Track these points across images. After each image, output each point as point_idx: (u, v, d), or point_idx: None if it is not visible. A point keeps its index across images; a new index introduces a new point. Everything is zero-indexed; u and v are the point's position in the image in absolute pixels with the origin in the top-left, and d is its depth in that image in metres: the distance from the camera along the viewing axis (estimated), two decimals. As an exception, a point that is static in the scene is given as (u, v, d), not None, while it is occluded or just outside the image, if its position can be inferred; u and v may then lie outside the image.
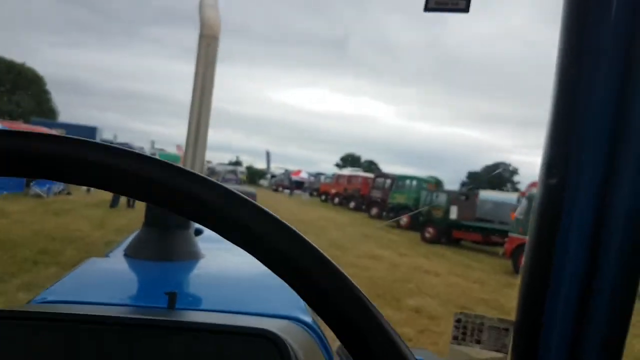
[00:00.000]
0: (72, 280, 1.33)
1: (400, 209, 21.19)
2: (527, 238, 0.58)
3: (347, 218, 23.48)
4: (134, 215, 15.05)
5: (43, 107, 50.49)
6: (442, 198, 17.28)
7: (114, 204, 16.12)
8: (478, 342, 0.66)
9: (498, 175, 74.98)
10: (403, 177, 22.43)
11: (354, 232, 17.34)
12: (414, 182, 21.69)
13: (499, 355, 0.65)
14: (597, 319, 0.50)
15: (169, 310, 1.05)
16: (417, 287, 9.13)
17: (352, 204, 30.45)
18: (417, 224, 20.50)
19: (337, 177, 35.50)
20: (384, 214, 23.32)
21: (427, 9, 0.73)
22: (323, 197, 37.89)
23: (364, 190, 30.79)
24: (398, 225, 21.11)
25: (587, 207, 0.50)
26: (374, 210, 25.38)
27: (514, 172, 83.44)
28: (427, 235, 17.06)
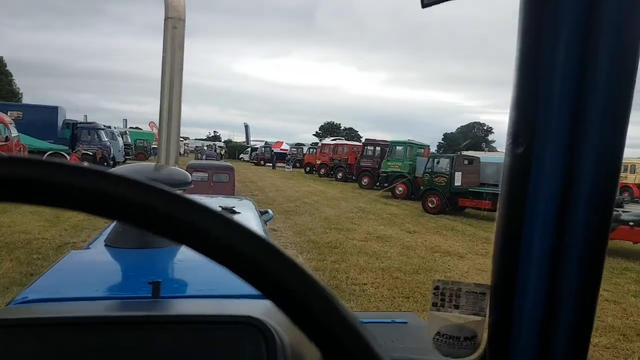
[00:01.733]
0: (53, 276, 1.33)
1: (395, 178, 19.66)
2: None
3: (338, 190, 21.89)
4: None
5: (3, 90, 46.90)
6: (443, 163, 15.75)
7: None
8: (456, 307, 0.67)
9: (473, 135, 74.81)
10: (396, 143, 20.77)
11: (350, 207, 15.75)
12: (409, 148, 20.05)
13: (477, 318, 0.66)
14: (568, 277, 0.52)
15: (153, 301, 1.07)
16: (449, 279, 7.66)
17: (339, 175, 28.85)
18: (414, 193, 19.08)
19: (321, 147, 33.69)
20: (377, 183, 21.78)
21: (425, 4, 0.72)
22: (307, 169, 36.19)
23: (351, 159, 29.15)
24: (394, 195, 19.63)
25: (554, 173, 0.51)
26: (365, 180, 23.84)
27: (489, 131, 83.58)
28: (430, 205, 15.60)
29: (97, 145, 23.01)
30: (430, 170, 15.95)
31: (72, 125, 23.49)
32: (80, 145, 22.49)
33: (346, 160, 29.24)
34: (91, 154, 18.33)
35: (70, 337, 0.84)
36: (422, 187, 16.35)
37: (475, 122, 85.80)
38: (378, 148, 24.24)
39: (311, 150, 38.49)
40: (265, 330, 0.86)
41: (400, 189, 19.34)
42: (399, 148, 20.36)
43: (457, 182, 15.09)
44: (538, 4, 0.52)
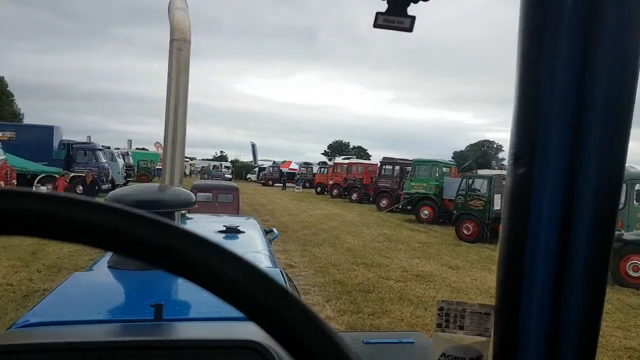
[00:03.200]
0: (56, 299, 1.32)
1: (419, 200, 17.75)
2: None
3: (355, 214, 20.03)
4: None
5: (3, 110, 46.06)
6: (479, 184, 13.90)
7: None
8: (461, 327, 0.66)
9: (483, 153, 73.12)
10: (420, 162, 18.90)
11: (373, 235, 13.89)
12: (434, 167, 18.18)
13: (482, 339, 0.66)
14: (572, 300, 0.52)
15: (156, 324, 1.08)
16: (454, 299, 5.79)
17: (354, 196, 26.99)
18: (441, 216, 17.18)
19: (334, 166, 31.90)
20: (399, 206, 19.88)
21: (376, 25, 0.77)
22: (318, 189, 34.39)
23: (366, 179, 27.34)
24: (418, 219, 17.71)
25: (555, 194, 0.52)
26: (384, 202, 21.96)
27: (499, 149, 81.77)
28: (466, 232, 13.68)
29: (94, 166, 21.49)
30: (464, 192, 14.08)
31: (68, 146, 21.99)
32: (76, 167, 20.97)
33: (361, 180, 27.43)
34: (83, 175, 16.65)
35: None
36: (454, 211, 14.45)
37: (485, 140, 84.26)
38: (397, 167, 22.43)
39: (322, 169, 36.73)
40: (267, 354, 0.88)
41: (426, 212, 17.44)
42: (423, 167, 18.47)
43: (497, 206, 13.20)
44: (536, 26, 0.52)
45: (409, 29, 0.81)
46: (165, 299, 1.17)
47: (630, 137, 0.52)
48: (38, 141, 21.42)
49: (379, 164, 29.14)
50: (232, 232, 2.79)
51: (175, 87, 2.66)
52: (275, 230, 4.04)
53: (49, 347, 0.85)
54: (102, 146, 25.46)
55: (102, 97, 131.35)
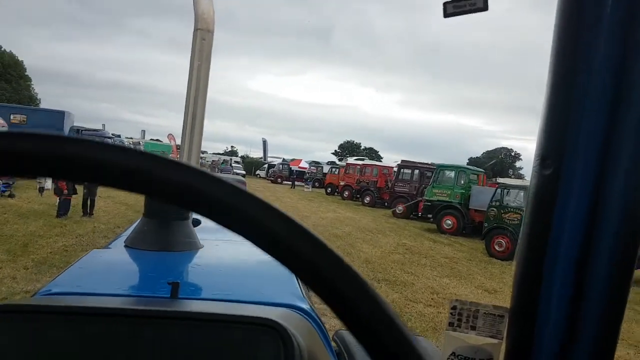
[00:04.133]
0: (75, 272, 1.36)
1: (442, 208, 16.24)
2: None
3: (369, 219, 18.59)
4: (88, 228, 10.09)
5: (21, 94, 45.41)
6: (515, 195, 12.40)
7: (62, 210, 11.12)
8: (473, 328, 0.66)
9: (500, 161, 71.29)
10: (445, 167, 17.34)
11: (392, 245, 12.46)
12: (461, 174, 16.63)
13: (494, 341, 0.65)
14: (592, 307, 0.51)
15: (172, 300, 1.09)
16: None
17: (367, 199, 25.52)
18: (465, 228, 15.68)
19: (346, 167, 30.45)
20: (419, 213, 18.39)
21: (447, 14, 0.73)
22: (328, 190, 32.98)
23: (381, 182, 25.88)
24: (440, 229, 16.23)
25: (581, 197, 0.51)
26: (400, 208, 20.48)
27: (517, 157, 79.88)
28: (498, 248, 12.19)
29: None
30: (498, 203, 12.58)
31: (77, 132, 20.94)
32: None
33: (375, 183, 25.96)
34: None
35: (91, 328, 0.88)
36: (485, 224, 12.97)
37: (503, 148, 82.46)
38: (417, 171, 20.94)
39: (333, 169, 35.30)
40: (284, 334, 0.87)
41: (449, 222, 15.94)
42: (448, 173, 16.92)
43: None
44: (573, 25, 0.51)
45: (484, 8, 0.75)
46: (181, 279, 1.18)
47: None
48: (49, 126, 20.46)
49: (395, 167, 27.71)
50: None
51: (196, 77, 2.65)
52: None
53: (70, 311, 0.89)
54: (112, 134, 24.40)
55: (119, 87, 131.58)
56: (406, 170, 21.37)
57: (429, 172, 21.20)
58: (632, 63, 0.48)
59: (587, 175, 0.50)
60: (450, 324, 0.67)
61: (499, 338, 0.65)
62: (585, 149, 0.50)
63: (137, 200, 16.11)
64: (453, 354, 0.66)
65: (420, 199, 19.79)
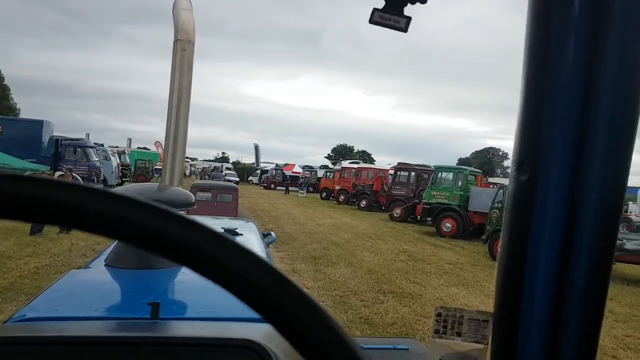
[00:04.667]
0: (52, 295, 1.31)
1: (441, 211, 15.93)
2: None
3: (367, 224, 18.25)
4: (65, 246, 9.60)
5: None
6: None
7: (35, 227, 10.57)
8: (459, 334, 0.66)
9: (488, 160, 71.53)
10: (443, 168, 17.05)
11: (393, 251, 12.11)
12: (459, 175, 16.33)
13: (480, 346, 0.65)
14: (573, 309, 0.51)
15: (152, 322, 1.06)
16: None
17: (363, 203, 25.17)
18: (465, 230, 15.38)
19: (341, 171, 30.11)
20: (418, 216, 18.03)
21: (372, 21, 0.78)
22: (323, 195, 32.61)
23: (377, 185, 25.56)
24: (439, 232, 15.91)
25: (558, 201, 0.51)
26: (397, 211, 20.15)
27: (504, 156, 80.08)
28: (502, 251, 11.85)
29: (83, 165, 19.77)
30: (500, 205, 12.27)
31: (56, 142, 20.23)
32: (64, 166, 19.25)
33: (371, 186, 25.64)
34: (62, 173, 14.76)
35: (68, 357, 0.84)
36: (488, 227, 12.66)
37: (490, 148, 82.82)
38: (413, 174, 20.65)
39: (328, 174, 34.96)
40: (264, 354, 0.86)
41: (448, 225, 15.63)
42: (446, 174, 16.62)
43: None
44: (542, 32, 0.52)
45: (404, 29, 0.80)
46: (161, 298, 1.13)
47: (635, 146, 0.51)
48: (26, 136, 19.80)
49: (390, 170, 27.40)
50: (229, 234, 2.67)
51: (178, 87, 2.60)
52: (273, 233, 4.11)
53: (46, 341, 0.85)
54: (95, 143, 23.78)
55: (106, 96, 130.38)
56: (402, 173, 21.07)
57: (425, 174, 20.93)
58: (601, 65, 0.48)
59: (563, 178, 0.50)
60: (436, 331, 0.67)
61: (484, 343, 0.65)
62: (560, 152, 0.50)
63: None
64: None
65: (418, 201, 19.50)
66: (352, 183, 26.91)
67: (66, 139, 21.14)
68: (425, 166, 22.02)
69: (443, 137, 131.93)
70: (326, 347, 0.29)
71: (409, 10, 0.79)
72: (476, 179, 17.10)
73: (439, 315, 0.68)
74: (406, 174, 20.94)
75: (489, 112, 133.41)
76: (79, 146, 20.34)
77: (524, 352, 0.53)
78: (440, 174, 16.70)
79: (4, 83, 48.31)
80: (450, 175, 16.44)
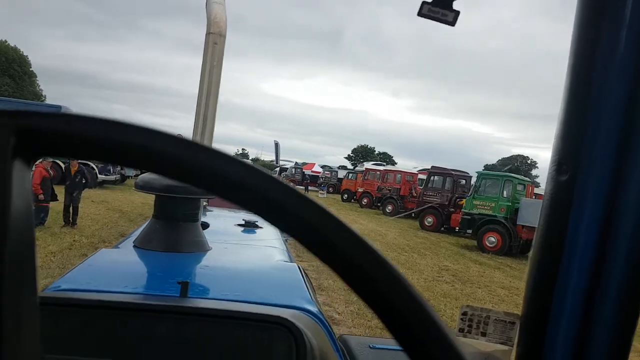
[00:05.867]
0: (84, 270, 1.36)
1: (484, 223, 14.03)
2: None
3: (396, 232, 16.45)
4: (66, 242, 8.13)
5: (24, 90, 44.30)
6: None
7: (35, 220, 9.06)
8: (484, 334, 0.66)
9: (516, 169, 69.01)
10: (488, 176, 15.15)
11: (432, 268, 10.34)
12: (507, 184, 14.36)
13: (505, 347, 0.65)
14: (604, 316, 0.50)
15: (182, 298, 1.07)
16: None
17: (389, 208, 23.33)
18: (512, 246, 13.46)
19: (365, 172, 28.31)
20: (457, 227, 16.13)
21: (421, 14, 0.80)
22: (345, 197, 30.86)
23: (404, 190, 23.69)
24: (480, 247, 14.01)
25: (596, 204, 0.50)
26: (430, 220, 18.27)
27: (533, 165, 77.26)
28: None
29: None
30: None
31: None
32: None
33: (398, 190, 23.79)
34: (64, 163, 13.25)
35: (102, 321, 0.88)
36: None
37: (519, 155, 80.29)
38: (449, 179, 18.72)
39: (350, 175, 33.18)
40: (297, 332, 0.88)
41: (493, 239, 13.72)
42: (491, 182, 14.69)
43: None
44: (591, 33, 0.51)
45: (452, 23, 0.79)
46: (190, 280, 1.15)
47: None
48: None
49: (419, 174, 25.50)
50: (250, 226, 2.81)
51: (207, 80, 2.62)
52: None
53: (82, 304, 0.88)
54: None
55: (131, 88, 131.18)
56: (436, 178, 19.12)
57: (462, 180, 19.00)
58: None
59: (603, 181, 0.49)
60: (461, 330, 0.66)
61: (509, 345, 0.64)
62: (601, 155, 0.50)
63: (134, 207, 14.18)
64: None
65: (453, 210, 17.59)
66: (378, 186, 25.08)
67: None
68: (461, 171, 20.05)
69: (466, 143, 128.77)
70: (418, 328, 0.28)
71: (457, 4, 0.78)
72: (525, 189, 15.09)
73: (464, 314, 0.66)
74: (441, 179, 18.99)
75: (512, 119, 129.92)
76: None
77: (552, 356, 0.51)
78: (484, 181, 14.76)
79: (31, 69, 48.22)
80: (496, 184, 14.49)
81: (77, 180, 9.93)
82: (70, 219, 9.73)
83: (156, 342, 0.87)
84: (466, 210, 14.88)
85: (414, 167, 32.93)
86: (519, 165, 75.23)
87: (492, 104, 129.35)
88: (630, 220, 0.49)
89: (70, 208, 9.75)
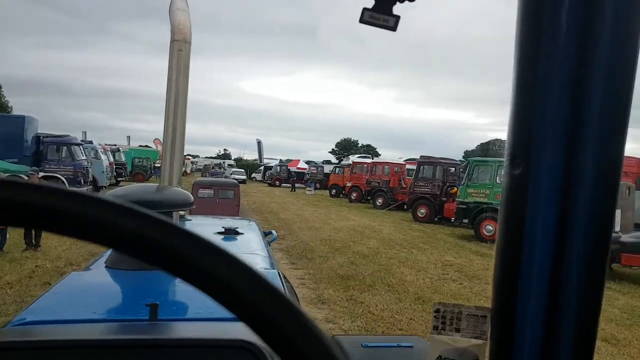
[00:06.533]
0: (52, 298, 1.34)
1: (480, 211, 13.69)
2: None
3: (390, 226, 16.05)
4: (27, 269, 7.45)
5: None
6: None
7: None
8: (457, 330, 0.67)
9: (494, 153, 69.59)
10: (480, 162, 14.74)
11: (435, 265, 9.94)
12: (501, 170, 13.93)
13: (479, 341, 0.65)
14: (569, 303, 0.51)
15: (151, 324, 1.09)
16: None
17: (379, 201, 22.94)
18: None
19: (352, 166, 27.85)
20: (440, 216, 15.72)
21: (362, 20, 0.80)
22: (333, 192, 30.40)
23: (393, 182, 23.31)
24: (478, 237, 13.66)
25: (551, 194, 0.51)
26: (422, 211, 17.91)
27: (511, 148, 77.85)
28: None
29: (68, 165, 17.57)
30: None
31: (37, 140, 17.96)
32: (46, 166, 17.07)
33: (387, 182, 23.39)
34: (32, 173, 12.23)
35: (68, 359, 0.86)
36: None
37: (496, 139, 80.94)
38: (439, 168, 18.34)
39: (337, 169, 32.69)
40: (260, 354, 0.89)
41: (490, 227, 13.37)
42: (484, 169, 14.31)
43: (617, 227, 9.18)
44: (533, 25, 0.52)
45: (393, 29, 0.82)
46: (160, 299, 1.17)
47: (627, 137, 0.51)
48: (6, 134, 17.48)
49: (407, 164, 25.13)
50: (230, 233, 2.81)
51: (175, 87, 2.61)
52: (274, 232, 4.09)
53: (45, 345, 0.87)
54: (83, 140, 21.61)
55: (104, 94, 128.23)
56: (427, 167, 18.66)
57: (452, 168, 18.65)
58: (591, 60, 0.48)
59: (556, 171, 0.50)
60: (435, 328, 0.67)
61: (483, 339, 0.65)
62: (551, 145, 0.50)
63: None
64: (439, 357, 0.66)
65: (445, 199, 17.24)
66: (366, 179, 24.65)
67: (49, 136, 18.89)
68: (450, 159, 19.70)
69: (445, 130, 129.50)
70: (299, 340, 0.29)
71: (398, 9, 0.81)
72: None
73: (437, 311, 0.68)
74: (430, 168, 18.57)
75: (488, 104, 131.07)
76: (63, 143, 18.02)
77: (521, 346, 0.53)
78: (476, 168, 14.39)
79: (-4, 80, 46.49)
80: (489, 170, 14.14)
81: None
82: (33, 240, 8.93)
83: None
84: (460, 200, 14.50)
85: (399, 158, 32.63)
86: (497, 149, 75.87)
87: (468, 91, 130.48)
88: (586, 209, 0.50)
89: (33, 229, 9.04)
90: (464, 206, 14.28)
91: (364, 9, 0.80)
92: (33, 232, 8.94)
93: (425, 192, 18.03)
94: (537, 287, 0.52)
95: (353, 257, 9.98)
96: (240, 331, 0.94)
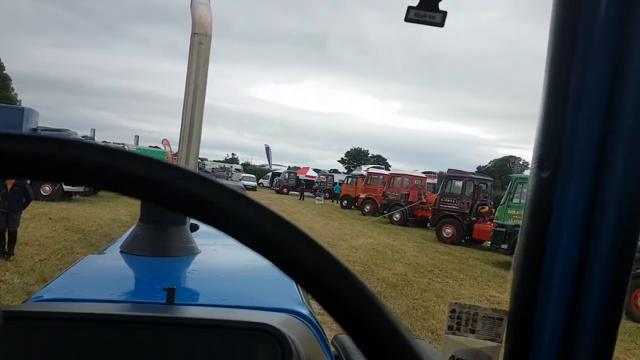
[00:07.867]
0: (68, 278, 1.32)
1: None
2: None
3: (413, 246, 14.20)
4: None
5: (-1, 94, 41.62)
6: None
7: None
8: (472, 331, 0.67)
9: (508, 170, 67.46)
10: (524, 180, 12.94)
11: (479, 300, 8.09)
12: (550, 189, 12.12)
13: (493, 344, 0.65)
14: (589, 309, 0.51)
15: (168, 306, 1.06)
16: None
17: (396, 216, 21.08)
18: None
19: (367, 177, 26.05)
20: (469, 237, 13.84)
21: (408, 19, 0.80)
22: (344, 203, 28.63)
23: (413, 196, 21.47)
24: (518, 266, 11.77)
25: (579, 199, 0.51)
26: (448, 231, 16.03)
27: (525, 166, 75.91)
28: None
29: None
30: None
31: (34, 132, 16.46)
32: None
33: (406, 196, 21.55)
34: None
35: (85, 334, 0.86)
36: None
37: (510, 156, 78.86)
38: (470, 184, 16.47)
39: (350, 179, 30.92)
40: (282, 339, 0.87)
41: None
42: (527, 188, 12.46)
43: None
44: (568, 28, 0.52)
45: (440, 24, 0.80)
46: (177, 285, 1.15)
47: None
48: (4, 125, 16.15)
49: (427, 177, 23.30)
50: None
51: (194, 81, 2.56)
52: None
53: (64, 317, 0.87)
54: (84, 137, 20.13)
55: (114, 94, 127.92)
56: (456, 182, 16.81)
57: (483, 185, 16.80)
58: (627, 62, 0.48)
59: (585, 175, 0.50)
60: (450, 328, 0.67)
61: (498, 341, 0.65)
62: (582, 149, 0.50)
63: (100, 225, 11.61)
64: (452, 357, 0.66)
65: (475, 219, 15.38)
66: (383, 192, 22.82)
67: (46, 129, 17.47)
68: (482, 175, 17.84)
69: (454, 145, 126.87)
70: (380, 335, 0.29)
71: (443, 4, 0.78)
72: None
73: (453, 311, 0.67)
74: (460, 183, 16.70)
75: (498, 120, 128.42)
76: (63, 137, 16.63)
77: (538, 351, 0.53)
78: (519, 186, 12.54)
79: (4, 72, 45.54)
80: (534, 189, 12.26)
81: (14, 197, 7.47)
82: (6, 247, 7.30)
83: (139, 352, 0.85)
84: (499, 222, 12.70)
85: (415, 170, 30.79)
86: (511, 167, 73.68)
87: (478, 106, 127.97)
88: (613, 214, 0.49)
89: (6, 234, 7.33)
90: (503, 229, 12.46)
91: (409, 7, 0.79)
92: (6, 238, 7.29)
93: (453, 209, 16.16)
94: (557, 293, 0.51)
95: (379, 287, 8.20)
96: (260, 318, 0.93)
